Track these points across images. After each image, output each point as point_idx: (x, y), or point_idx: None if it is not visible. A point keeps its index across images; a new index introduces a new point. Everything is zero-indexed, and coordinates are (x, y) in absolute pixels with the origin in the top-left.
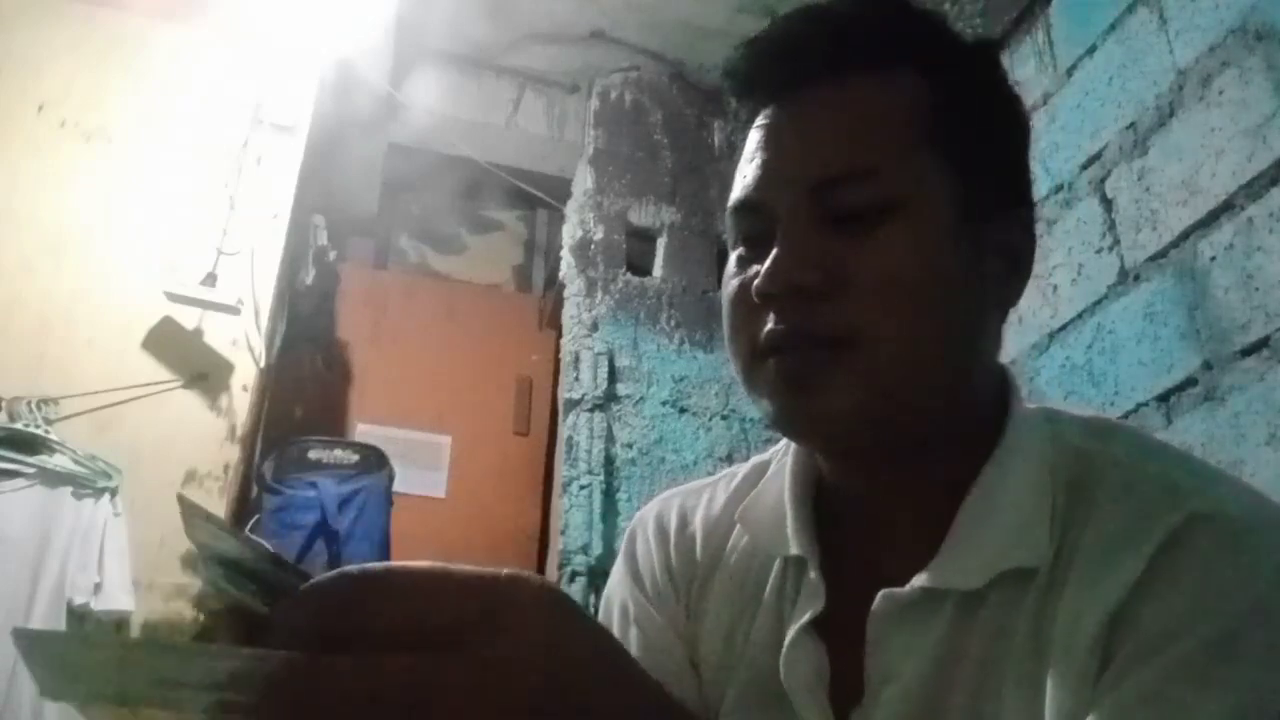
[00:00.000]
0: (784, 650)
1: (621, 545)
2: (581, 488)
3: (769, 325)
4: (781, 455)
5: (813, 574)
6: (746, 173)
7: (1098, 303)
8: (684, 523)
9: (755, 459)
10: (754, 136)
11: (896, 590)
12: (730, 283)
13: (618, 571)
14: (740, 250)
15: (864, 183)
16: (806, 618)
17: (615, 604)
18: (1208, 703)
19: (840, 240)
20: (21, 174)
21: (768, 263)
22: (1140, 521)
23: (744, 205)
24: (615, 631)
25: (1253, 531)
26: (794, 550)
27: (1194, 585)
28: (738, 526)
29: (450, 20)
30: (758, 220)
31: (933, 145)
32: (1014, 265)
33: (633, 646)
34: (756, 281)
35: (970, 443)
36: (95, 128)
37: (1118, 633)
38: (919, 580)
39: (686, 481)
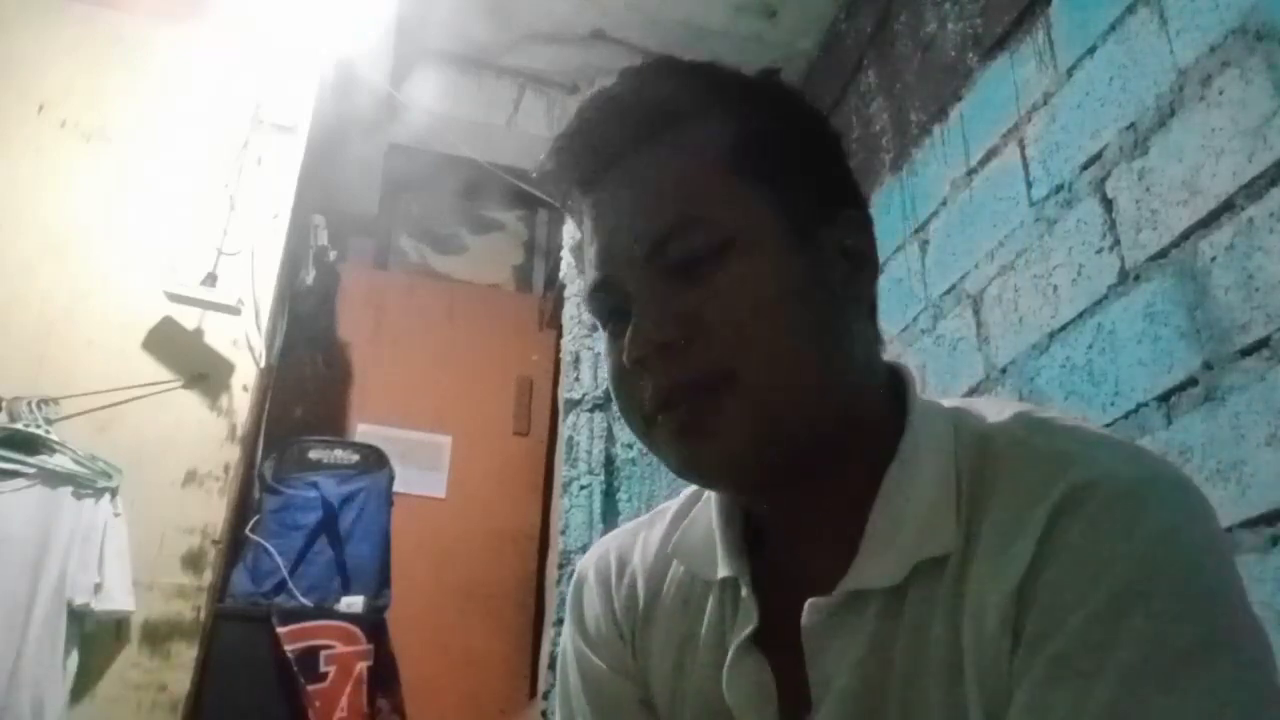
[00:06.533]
0: (725, 670)
1: (569, 597)
2: (581, 488)
3: (650, 387)
4: None
5: (744, 591)
6: (590, 258)
7: (1098, 303)
8: (622, 566)
9: (688, 490)
10: (587, 226)
11: (821, 599)
12: (608, 361)
13: (566, 624)
14: (609, 330)
15: (690, 231)
16: (744, 634)
17: (567, 653)
18: (1104, 668)
19: (689, 290)
20: (22, 174)
21: (629, 331)
22: (1033, 495)
23: (596, 287)
24: (570, 677)
25: (1134, 493)
26: (724, 572)
27: (1082, 553)
28: (675, 559)
29: (450, 20)
30: (611, 297)
31: (742, 177)
32: (858, 263)
33: (579, 693)
34: (624, 351)
35: (873, 444)
36: (95, 128)
37: (1022, 608)
38: (842, 585)
39: (684, 484)
